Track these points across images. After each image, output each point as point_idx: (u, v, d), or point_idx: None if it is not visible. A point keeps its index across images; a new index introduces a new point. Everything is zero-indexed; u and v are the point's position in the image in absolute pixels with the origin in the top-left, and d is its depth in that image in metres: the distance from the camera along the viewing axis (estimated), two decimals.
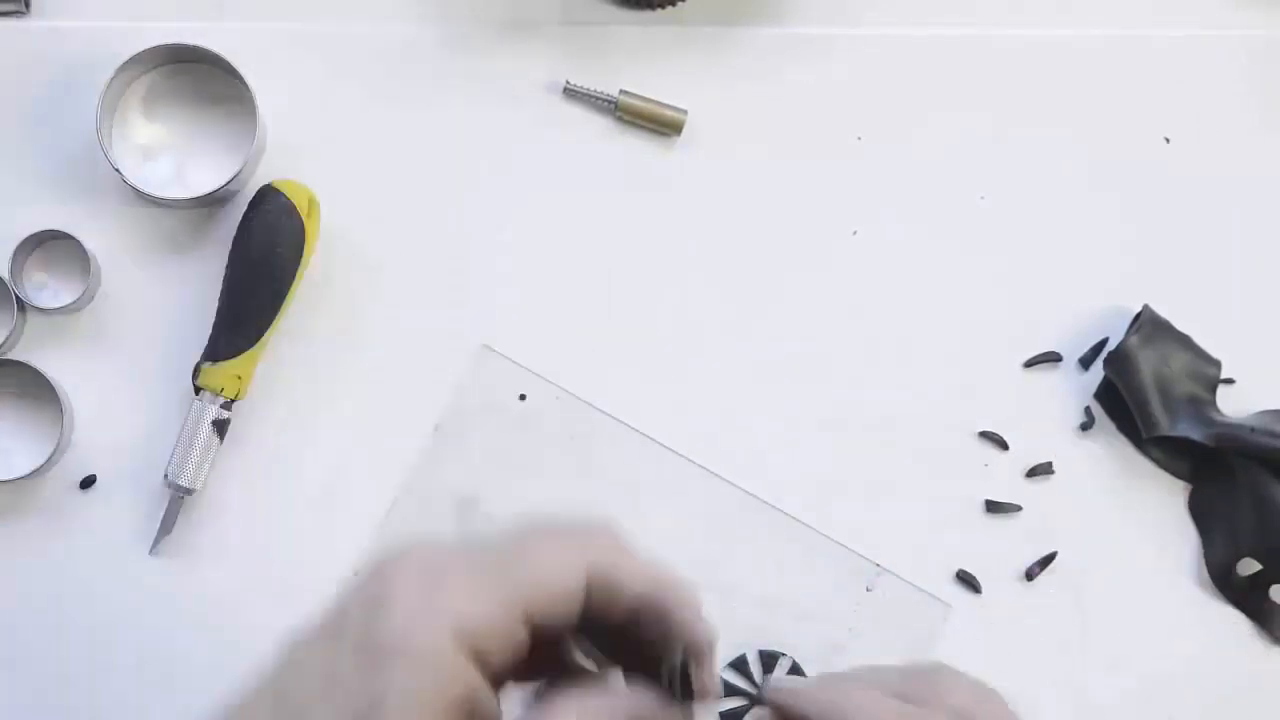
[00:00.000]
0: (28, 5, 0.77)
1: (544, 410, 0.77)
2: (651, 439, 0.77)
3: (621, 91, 0.78)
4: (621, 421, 0.77)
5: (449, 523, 0.75)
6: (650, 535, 0.74)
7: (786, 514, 0.77)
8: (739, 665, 0.76)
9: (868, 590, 0.76)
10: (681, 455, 0.77)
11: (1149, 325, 0.77)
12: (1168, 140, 0.80)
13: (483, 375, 0.77)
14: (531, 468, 0.76)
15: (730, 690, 0.76)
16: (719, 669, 0.74)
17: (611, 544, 0.56)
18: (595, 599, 0.53)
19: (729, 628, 0.76)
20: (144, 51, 0.74)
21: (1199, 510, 0.78)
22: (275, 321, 0.74)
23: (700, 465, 0.77)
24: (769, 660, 0.76)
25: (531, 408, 0.77)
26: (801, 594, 0.76)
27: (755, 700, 0.75)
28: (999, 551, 0.77)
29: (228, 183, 0.74)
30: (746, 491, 0.77)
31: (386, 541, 0.75)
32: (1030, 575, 0.77)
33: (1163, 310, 0.78)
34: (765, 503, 0.77)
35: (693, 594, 0.56)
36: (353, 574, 0.63)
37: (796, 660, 0.76)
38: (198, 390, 0.74)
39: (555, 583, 0.52)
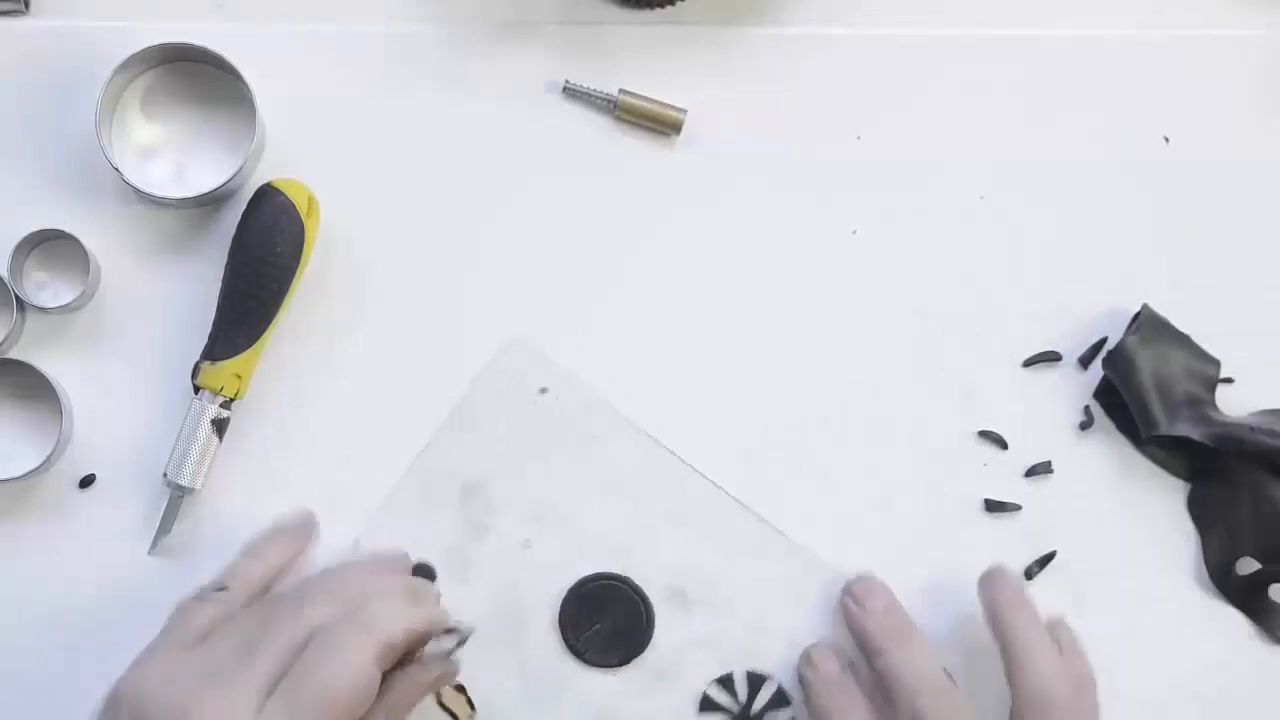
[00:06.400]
0: (27, 5, 0.77)
1: (560, 405, 0.77)
2: (656, 439, 0.77)
3: (621, 91, 0.78)
4: (627, 419, 0.77)
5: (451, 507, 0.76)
6: (655, 547, 0.76)
7: (785, 535, 0.76)
8: (725, 683, 0.75)
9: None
10: (684, 460, 0.77)
11: (1148, 325, 0.77)
12: (1167, 140, 0.80)
13: (504, 364, 0.77)
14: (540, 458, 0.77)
15: (712, 706, 0.75)
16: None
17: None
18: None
19: (719, 645, 0.76)
20: (143, 51, 0.74)
21: (1199, 510, 0.78)
22: (274, 321, 0.74)
23: (699, 470, 0.77)
24: (756, 681, 0.75)
25: (548, 401, 0.77)
26: (795, 619, 0.76)
27: (737, 718, 0.75)
28: (999, 551, 0.77)
29: (227, 182, 0.74)
30: (746, 506, 0.76)
31: (377, 527, 0.75)
32: (1030, 575, 0.77)
33: (1162, 310, 0.78)
34: (766, 522, 0.76)
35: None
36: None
37: (783, 684, 0.76)
38: (197, 390, 0.74)
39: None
